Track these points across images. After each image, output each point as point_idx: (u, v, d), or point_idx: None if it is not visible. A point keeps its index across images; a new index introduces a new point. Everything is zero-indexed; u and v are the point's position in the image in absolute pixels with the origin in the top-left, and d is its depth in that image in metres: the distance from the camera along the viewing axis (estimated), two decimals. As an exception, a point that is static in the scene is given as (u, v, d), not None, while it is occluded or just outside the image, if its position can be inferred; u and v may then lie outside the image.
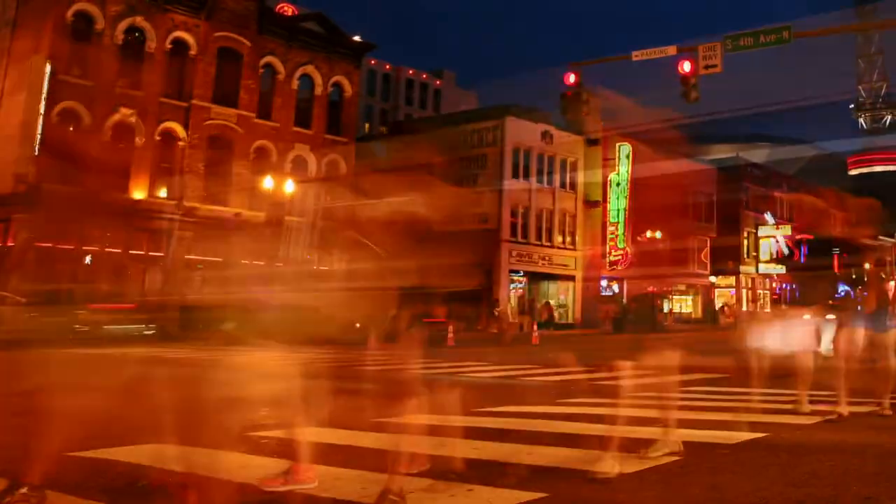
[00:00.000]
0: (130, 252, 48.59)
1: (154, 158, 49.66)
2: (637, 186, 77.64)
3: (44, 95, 44.70)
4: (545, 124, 71.00)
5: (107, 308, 10.10)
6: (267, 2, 57.16)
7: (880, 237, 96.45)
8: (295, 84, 56.82)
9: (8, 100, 47.96)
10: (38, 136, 44.11)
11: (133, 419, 11.40)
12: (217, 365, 21.30)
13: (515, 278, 69.36)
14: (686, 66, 30.44)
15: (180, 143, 50.61)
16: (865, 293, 16.23)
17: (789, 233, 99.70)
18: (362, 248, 8.83)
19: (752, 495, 8.00)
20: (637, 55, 31.76)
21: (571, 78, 33.20)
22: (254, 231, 50.09)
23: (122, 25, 48.34)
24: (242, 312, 11.23)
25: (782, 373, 16.27)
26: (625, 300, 56.28)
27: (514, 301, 68.29)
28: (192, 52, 51.41)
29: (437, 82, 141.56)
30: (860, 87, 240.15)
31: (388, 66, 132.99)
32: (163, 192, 50.06)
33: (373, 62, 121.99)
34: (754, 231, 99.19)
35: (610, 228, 74.79)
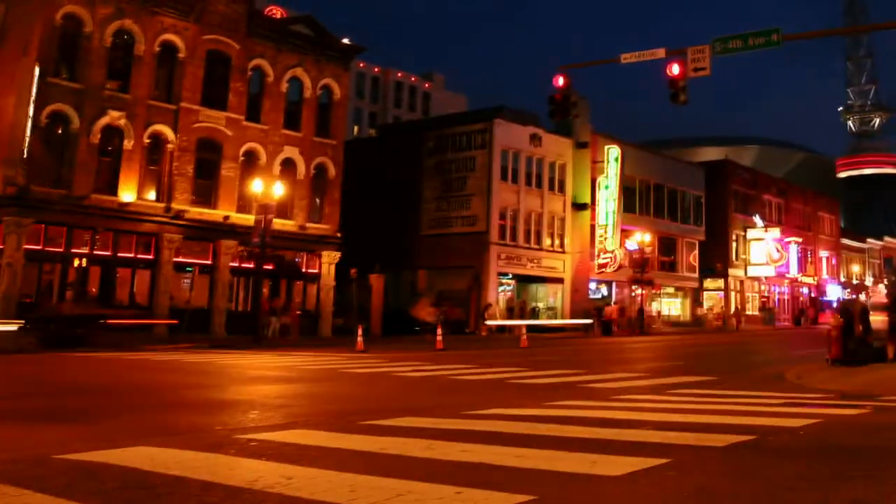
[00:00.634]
0: (119, 255, 48.71)
1: (143, 161, 49.59)
2: (626, 189, 77.99)
3: (33, 98, 44.60)
4: (534, 127, 71.08)
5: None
6: (256, 4, 57.11)
7: (869, 239, 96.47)
8: (284, 87, 56.75)
9: (-3, 102, 47.95)
10: (27, 139, 44.08)
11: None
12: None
13: (504, 281, 69.41)
14: (675, 69, 30.53)
15: (169, 146, 50.46)
16: None
17: (778, 235, 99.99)
18: None
19: (740, 497, 8.05)
20: (626, 58, 31.84)
21: (560, 81, 33.28)
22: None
23: (111, 28, 48.21)
24: None
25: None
26: (613, 303, 56.56)
27: (502, 303, 68.39)
28: (181, 54, 51.30)
29: (426, 85, 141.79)
30: (849, 90, 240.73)
31: (376, 69, 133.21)
32: (151, 195, 50.00)
33: (362, 65, 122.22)
34: (743, 234, 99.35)
35: (598, 231, 74.95)
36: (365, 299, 59.57)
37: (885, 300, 52.56)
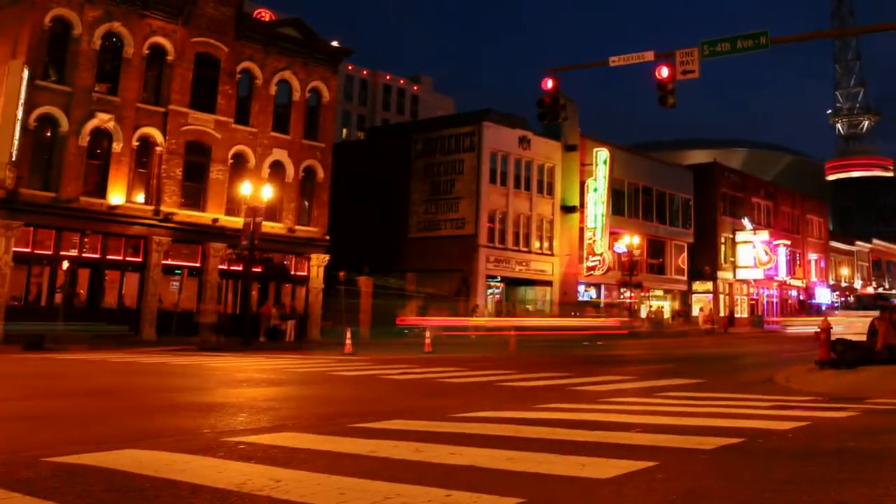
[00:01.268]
0: (108, 258, 48.66)
1: (131, 164, 49.54)
2: (614, 192, 78.06)
3: (22, 101, 44.53)
4: (522, 130, 71.15)
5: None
6: (244, 7, 57.07)
7: (857, 242, 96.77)
8: (272, 89, 56.72)
9: (-15, 105, 47.87)
10: (16, 142, 44.01)
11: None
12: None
13: (493, 284, 69.43)
14: (664, 72, 30.53)
15: (158, 149, 50.42)
16: None
17: (767, 238, 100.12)
18: None
19: (729, 500, 8.05)
20: (615, 61, 31.85)
21: (549, 83, 33.27)
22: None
23: (100, 31, 48.15)
24: None
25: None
26: (602, 306, 56.44)
27: (491, 306, 68.40)
28: (170, 57, 51.26)
29: (415, 88, 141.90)
30: (837, 93, 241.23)
31: (365, 72, 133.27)
32: (140, 198, 49.95)
33: (350, 68, 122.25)
34: (732, 236, 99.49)
35: (587, 234, 75.07)
36: (353, 302, 59.56)
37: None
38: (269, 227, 52.49)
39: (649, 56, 31.10)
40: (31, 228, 45.68)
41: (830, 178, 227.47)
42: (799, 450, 11.23)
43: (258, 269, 52.83)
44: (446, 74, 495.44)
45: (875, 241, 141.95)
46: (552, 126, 64.33)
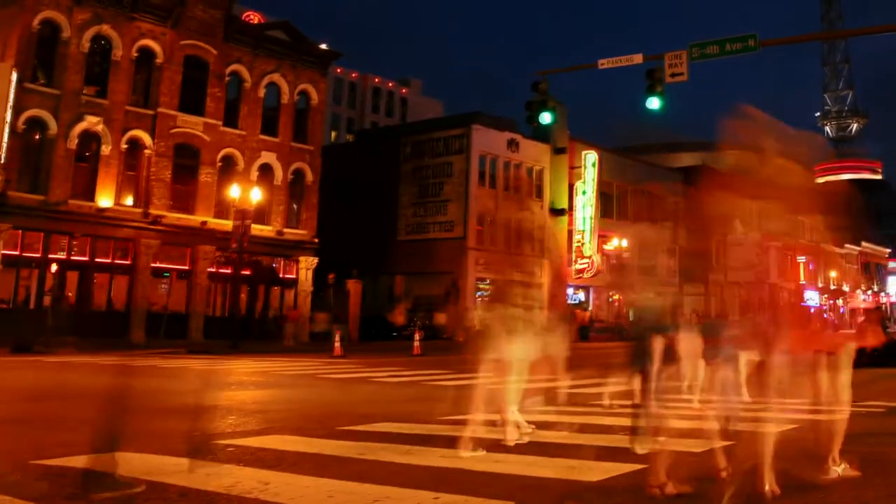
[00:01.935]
0: (96, 261, 48.62)
1: (120, 167, 49.49)
2: (603, 195, 78.05)
3: (10, 104, 44.47)
4: (511, 132, 71.13)
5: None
6: (233, 10, 56.98)
7: (847, 245, 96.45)
8: (261, 92, 56.66)
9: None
10: (5, 145, 43.95)
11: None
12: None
13: (482, 286, 69.36)
14: (653, 75, 30.55)
15: (147, 152, 50.36)
16: None
17: (756, 241, 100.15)
18: None
19: (717, 502, 8.07)
20: (603, 63, 31.86)
21: (538, 86, 33.30)
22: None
23: (89, 34, 48.07)
24: None
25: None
26: (590, 309, 56.38)
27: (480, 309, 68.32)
28: (159, 60, 51.18)
29: (404, 90, 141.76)
30: (826, 96, 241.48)
31: (354, 75, 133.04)
32: (129, 201, 49.89)
33: (339, 70, 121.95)
34: (721, 239, 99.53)
35: (576, 236, 75.05)
36: (342, 305, 59.53)
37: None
38: (257, 229, 52.42)
39: (638, 59, 31.11)
40: (20, 231, 45.55)
41: (819, 180, 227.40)
42: (787, 452, 11.25)
43: (247, 272, 52.83)
44: (435, 77, 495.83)
45: (864, 243, 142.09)
46: (541, 129, 64.30)
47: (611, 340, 64.38)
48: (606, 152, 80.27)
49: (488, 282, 69.14)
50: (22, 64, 45.54)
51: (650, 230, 10.90)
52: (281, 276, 58.08)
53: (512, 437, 12.21)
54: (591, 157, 75.63)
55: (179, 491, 8.41)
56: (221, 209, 52.84)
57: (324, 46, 62.66)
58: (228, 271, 51.86)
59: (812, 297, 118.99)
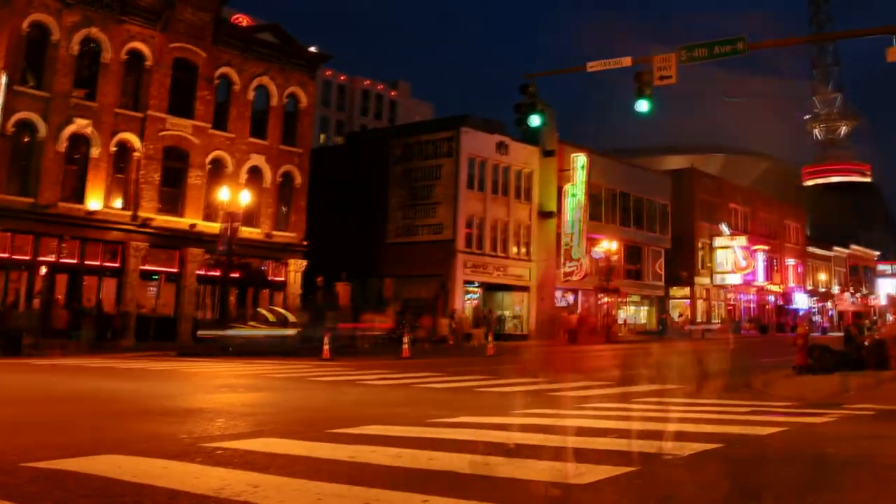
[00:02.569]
0: (86, 263, 48.58)
1: (109, 169, 49.47)
2: (592, 198, 78.12)
3: (0, 106, 44.46)
4: (500, 135, 71.13)
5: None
6: (222, 13, 56.95)
7: (835, 248, 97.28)
8: (250, 95, 56.67)
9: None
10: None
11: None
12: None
13: (470, 289, 69.39)
14: (641, 78, 30.59)
15: (136, 154, 50.33)
16: None
17: (744, 243, 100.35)
18: None
19: (705, 505, 8.12)
20: (592, 66, 31.88)
21: (527, 89, 33.33)
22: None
23: (78, 36, 48.05)
24: None
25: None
26: (579, 311, 56.62)
27: (469, 312, 68.37)
28: (148, 62, 51.15)
29: (393, 93, 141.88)
30: (815, 98, 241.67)
31: (343, 77, 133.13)
32: (118, 203, 49.87)
33: (328, 73, 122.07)
34: (709, 242, 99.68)
35: (565, 239, 75.06)
36: (331, 307, 59.49)
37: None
38: (246, 232, 52.51)
39: (626, 62, 31.13)
40: (9, 234, 45.55)
41: (808, 183, 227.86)
42: (777, 455, 11.31)
43: (236, 275, 52.84)
44: (424, 80, 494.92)
45: (853, 246, 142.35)
46: (530, 132, 64.33)
47: (598, 343, 64.48)
48: (595, 155, 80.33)
49: (476, 284, 69.41)
50: (11, 66, 45.50)
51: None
52: (270, 278, 58.09)
53: None
54: (580, 160, 75.68)
55: (169, 493, 8.42)
56: (210, 212, 52.88)
57: (313, 49, 62.66)
58: (217, 274, 51.84)
59: (800, 300, 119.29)
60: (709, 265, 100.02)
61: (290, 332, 43.08)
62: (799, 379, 25.01)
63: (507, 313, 73.12)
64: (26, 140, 46.78)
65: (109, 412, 16.92)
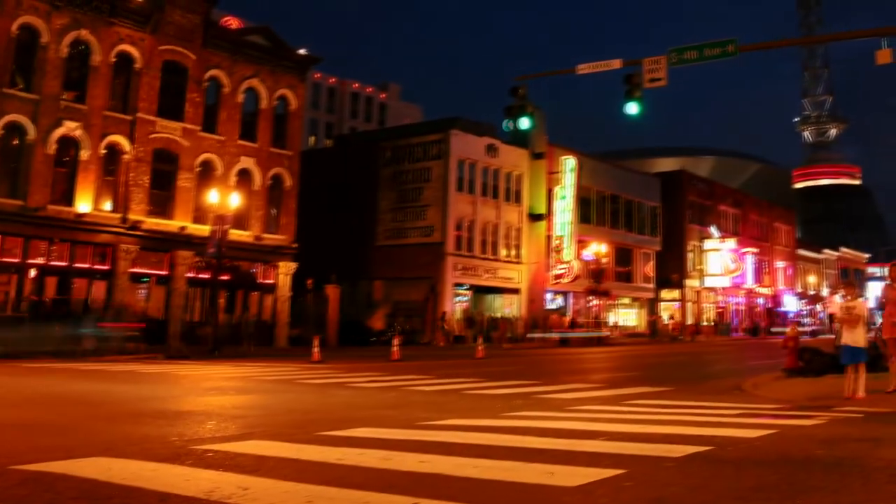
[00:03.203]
0: (75, 266, 48.48)
1: (99, 172, 49.40)
2: (582, 200, 78.20)
3: (-11, 108, 44.53)
4: (490, 137, 71.28)
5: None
6: (212, 15, 56.89)
7: (825, 250, 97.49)
8: (240, 97, 56.64)
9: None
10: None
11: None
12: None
13: (460, 291, 69.44)
14: (631, 80, 30.62)
15: (125, 157, 50.26)
16: None
17: (734, 246, 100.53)
18: None
19: (695, 507, 8.10)
20: (582, 69, 31.93)
21: (517, 91, 33.37)
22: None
23: (68, 39, 47.98)
24: None
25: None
26: (570, 314, 56.76)
27: (459, 314, 68.40)
28: (138, 65, 51.09)
29: (382, 95, 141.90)
30: (805, 101, 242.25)
31: (332, 80, 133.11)
32: (108, 206, 49.81)
33: (318, 76, 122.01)
34: (699, 244, 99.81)
35: (555, 241, 75.21)
36: (321, 310, 59.50)
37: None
38: (236, 234, 52.44)
39: (616, 64, 31.20)
40: (-1, 237, 45.56)
41: (798, 185, 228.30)
42: (767, 458, 11.28)
43: (226, 277, 52.85)
44: (414, 82, 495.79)
45: (843, 249, 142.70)
46: (520, 134, 64.47)
47: (589, 345, 64.51)
48: (585, 157, 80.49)
49: (466, 286, 69.38)
50: (0, 69, 45.44)
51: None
52: (260, 281, 58.04)
53: None
54: (569, 163, 75.81)
55: (159, 496, 8.40)
56: (200, 214, 52.85)
57: (303, 52, 62.62)
58: (207, 276, 51.83)
59: (790, 302, 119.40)
60: (699, 268, 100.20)
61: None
62: (789, 381, 25.01)
63: (497, 315, 73.14)
64: (15, 143, 46.71)
65: (99, 415, 16.87)
